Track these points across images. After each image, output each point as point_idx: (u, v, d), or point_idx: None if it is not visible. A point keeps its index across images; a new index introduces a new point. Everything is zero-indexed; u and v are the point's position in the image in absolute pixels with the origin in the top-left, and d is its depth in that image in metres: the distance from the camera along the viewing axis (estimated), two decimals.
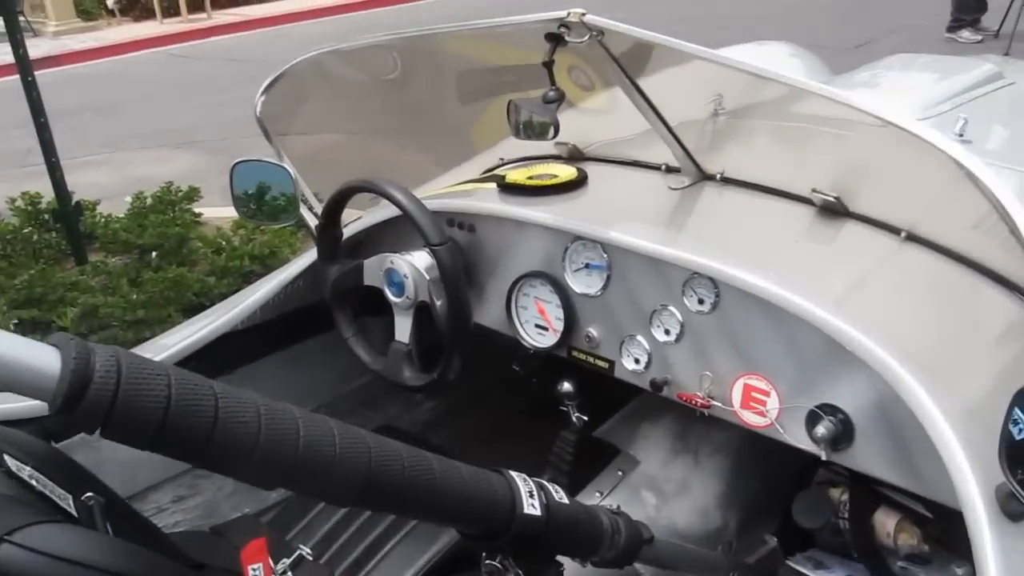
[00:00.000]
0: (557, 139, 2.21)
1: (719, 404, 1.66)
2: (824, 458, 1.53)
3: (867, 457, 1.50)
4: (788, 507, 1.93)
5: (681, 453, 2.13)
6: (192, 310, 3.96)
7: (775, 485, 2.16)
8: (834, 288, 1.58)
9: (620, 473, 2.06)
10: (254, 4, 15.44)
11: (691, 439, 2.16)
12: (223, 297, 3.26)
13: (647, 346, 1.77)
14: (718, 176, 1.96)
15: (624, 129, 2.23)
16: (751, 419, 1.64)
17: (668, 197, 1.95)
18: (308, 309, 2.55)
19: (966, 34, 8.66)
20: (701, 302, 1.66)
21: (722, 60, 1.55)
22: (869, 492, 1.77)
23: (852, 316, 1.46)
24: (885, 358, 1.38)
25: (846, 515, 1.79)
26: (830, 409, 1.51)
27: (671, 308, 1.71)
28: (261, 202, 2.26)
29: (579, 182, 2.00)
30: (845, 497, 1.80)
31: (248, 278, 4.47)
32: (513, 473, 1.14)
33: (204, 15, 14.51)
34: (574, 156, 2.21)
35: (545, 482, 1.19)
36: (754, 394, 1.63)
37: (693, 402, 1.68)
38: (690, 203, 1.94)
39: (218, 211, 5.58)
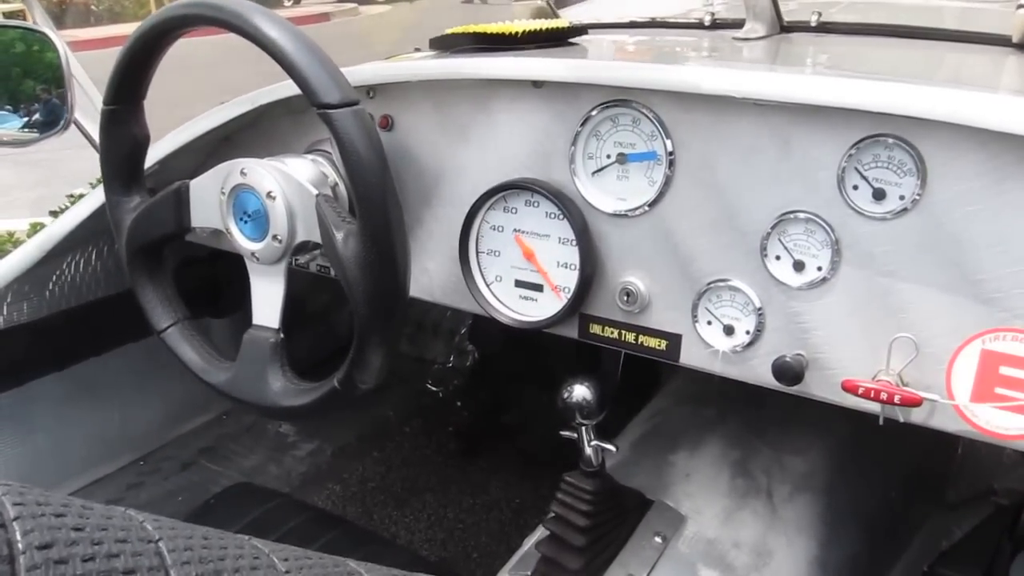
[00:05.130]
0: None
1: (930, 396, 0.83)
2: None
3: None
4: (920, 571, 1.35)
5: (748, 497, 1.29)
6: None
7: (882, 535, 1.39)
8: None
9: (659, 540, 1.19)
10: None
11: (757, 472, 1.33)
12: None
13: (755, 298, 0.92)
14: (813, 21, 1.15)
15: None
16: (1000, 422, 0.81)
17: (739, 50, 1.11)
18: (106, 303, 1.60)
19: None
20: (880, 196, 0.84)
21: None
22: None
23: None
24: None
25: None
26: None
27: (813, 215, 0.87)
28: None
29: (576, 31, 1.14)
30: None
31: None
32: None
33: None
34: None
35: None
36: (1008, 371, 0.80)
37: (875, 396, 0.84)
38: (784, 53, 1.11)
39: None
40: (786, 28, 1.16)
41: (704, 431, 1.38)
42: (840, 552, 1.31)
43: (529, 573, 1.17)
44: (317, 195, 0.97)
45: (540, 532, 1.18)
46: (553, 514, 1.13)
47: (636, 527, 1.20)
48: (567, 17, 1.38)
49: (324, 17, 13.89)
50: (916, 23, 1.14)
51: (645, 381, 1.58)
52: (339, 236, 0.93)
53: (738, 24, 1.17)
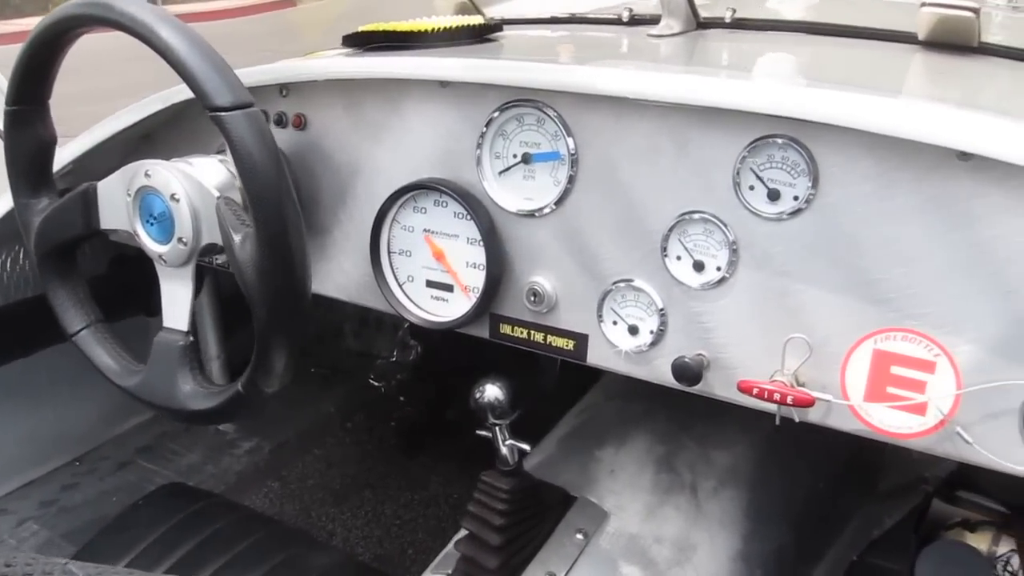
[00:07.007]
0: None
1: (824, 396, 0.83)
2: None
3: None
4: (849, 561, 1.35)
5: (671, 493, 1.29)
6: None
7: (810, 526, 1.40)
8: None
9: (580, 536, 1.19)
10: None
11: (682, 468, 1.33)
12: None
13: (657, 298, 0.92)
14: (727, 18, 1.15)
15: None
16: (892, 421, 0.82)
17: (654, 48, 1.11)
18: (36, 302, 1.58)
19: None
20: (775, 196, 0.84)
21: None
22: None
23: None
24: None
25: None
26: None
27: (711, 216, 0.87)
28: None
29: (491, 28, 1.13)
30: (1004, 549, 1.02)
31: None
32: None
33: None
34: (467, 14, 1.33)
35: None
36: (898, 370, 0.81)
37: (768, 396, 0.84)
38: (695, 50, 1.11)
39: None
40: (702, 24, 1.16)
41: (631, 427, 1.38)
42: (765, 545, 1.32)
43: (449, 572, 1.17)
44: (218, 197, 0.96)
45: (463, 531, 1.18)
46: (471, 513, 1.13)
47: (557, 524, 1.21)
48: (494, 11, 1.36)
49: (289, 3, 13.71)
50: (832, 19, 1.15)
51: (585, 376, 1.58)
52: (236, 239, 0.91)
53: (656, 20, 1.16)
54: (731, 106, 0.81)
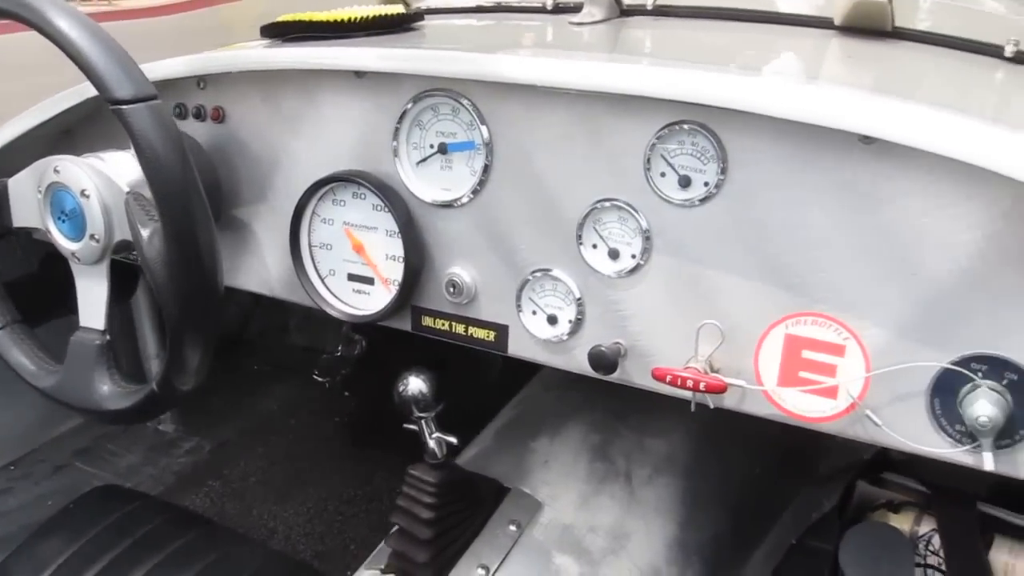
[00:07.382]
0: None
1: (737, 382, 0.84)
2: (990, 468, 0.74)
3: None
4: (788, 544, 1.31)
5: (606, 481, 1.29)
6: None
7: (748, 512, 1.40)
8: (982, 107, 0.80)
9: (514, 528, 1.19)
10: None
11: (616, 456, 1.33)
12: None
13: (574, 287, 0.92)
14: (649, 5, 1.14)
15: None
16: (804, 405, 0.83)
17: (574, 35, 1.11)
18: None
19: None
20: (685, 183, 0.84)
21: None
22: (968, 516, 1.01)
23: None
24: None
25: (939, 555, 1.01)
26: (992, 365, 0.73)
27: (624, 203, 0.87)
28: None
29: (412, 18, 1.12)
30: (926, 529, 1.03)
31: None
32: None
33: None
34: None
35: None
36: (809, 355, 0.81)
37: (682, 383, 0.84)
38: (616, 38, 1.10)
39: None
40: (625, 12, 1.16)
41: (567, 417, 1.38)
42: (701, 532, 1.32)
43: (383, 567, 1.17)
44: (127, 193, 0.94)
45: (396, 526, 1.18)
46: (399, 508, 1.12)
47: (491, 516, 1.20)
48: (421, 1, 1.35)
49: None
50: (753, 5, 1.15)
51: (529, 367, 1.58)
52: (144, 235, 0.90)
53: (579, 8, 1.16)
54: (638, 92, 0.81)
